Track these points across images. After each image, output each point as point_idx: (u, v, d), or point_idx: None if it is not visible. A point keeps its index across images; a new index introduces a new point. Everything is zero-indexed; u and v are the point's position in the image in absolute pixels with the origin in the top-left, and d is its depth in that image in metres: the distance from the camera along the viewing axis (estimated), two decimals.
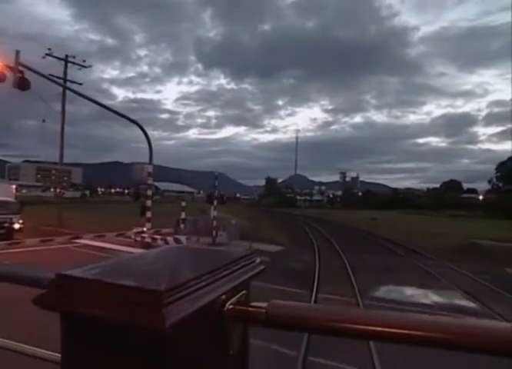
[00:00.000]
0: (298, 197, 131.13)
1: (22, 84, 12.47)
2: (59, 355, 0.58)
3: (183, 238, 15.63)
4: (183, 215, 18.24)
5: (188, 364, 0.56)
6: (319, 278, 11.38)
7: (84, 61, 29.21)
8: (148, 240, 15.93)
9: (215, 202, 18.97)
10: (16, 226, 18.21)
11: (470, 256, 18.07)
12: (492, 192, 73.74)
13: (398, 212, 69.87)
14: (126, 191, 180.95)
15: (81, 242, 17.35)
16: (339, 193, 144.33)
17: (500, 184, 71.23)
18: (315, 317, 0.57)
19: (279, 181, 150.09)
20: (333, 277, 11.81)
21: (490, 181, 74.99)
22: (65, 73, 27.62)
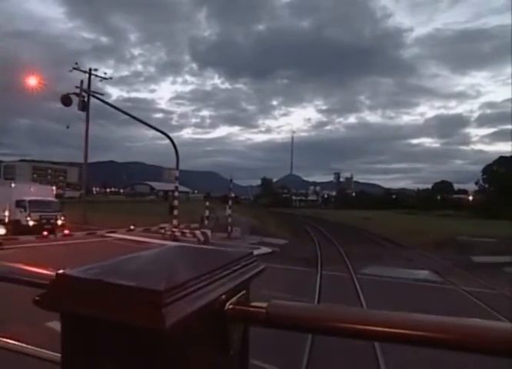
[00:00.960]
0: (294, 198, 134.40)
1: (84, 107, 15.75)
2: (59, 355, 0.59)
3: (209, 232, 18.76)
4: (207, 213, 21.43)
5: (188, 364, 0.56)
6: (321, 261, 14.62)
7: (105, 73, 32.19)
8: (178, 234, 19.07)
9: (230, 202, 22.14)
10: (59, 222, 21.30)
11: (446, 248, 21.36)
12: (480, 193, 77.62)
13: (390, 212, 73.47)
14: (121, 191, 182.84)
15: (116, 236, 20.41)
16: (333, 193, 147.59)
17: (486, 186, 75.09)
18: (315, 317, 0.58)
19: (273, 181, 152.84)
20: (332, 261, 15.01)
21: (477, 183, 78.87)
22: (89, 85, 30.52)
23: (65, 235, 18.79)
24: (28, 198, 20.30)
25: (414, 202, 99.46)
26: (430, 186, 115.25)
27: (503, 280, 12.04)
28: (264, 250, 17.21)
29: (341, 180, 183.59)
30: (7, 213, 20.39)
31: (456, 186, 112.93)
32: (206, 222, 21.28)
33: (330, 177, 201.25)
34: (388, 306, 8.49)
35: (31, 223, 19.89)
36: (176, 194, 20.30)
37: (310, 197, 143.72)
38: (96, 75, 31.28)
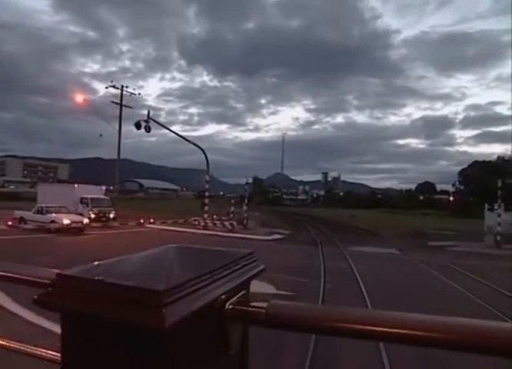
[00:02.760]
0: (285, 197, 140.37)
1: (148, 130, 21.74)
2: (59, 355, 0.60)
3: (235, 223, 24.65)
4: (232, 209, 27.42)
5: (188, 364, 0.57)
6: (320, 243, 20.62)
7: (134, 89, 37.50)
8: (210, 224, 24.87)
9: (246, 200, 28.03)
10: (111, 216, 26.80)
11: (414, 237, 27.60)
12: (456, 194, 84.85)
13: (375, 211, 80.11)
14: (111, 188, 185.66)
15: (156, 227, 25.94)
16: (322, 193, 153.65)
17: (462, 188, 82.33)
18: (315, 317, 0.59)
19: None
20: (327, 243, 21.04)
21: (454, 184, 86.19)
22: (121, 99, 36.00)
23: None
24: (89, 196, 25.78)
25: (398, 202, 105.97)
26: (414, 186, 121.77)
27: (443, 255, 18.27)
28: (277, 236, 23.34)
29: (329, 179, 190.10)
30: (72, 208, 25.81)
31: (439, 186, 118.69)
32: (231, 215, 27.30)
33: (318, 177, 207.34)
34: (366, 264, 14.52)
35: (92, 216, 25.30)
36: (206, 193, 26.26)
37: (300, 197, 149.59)
38: (127, 91, 36.62)
